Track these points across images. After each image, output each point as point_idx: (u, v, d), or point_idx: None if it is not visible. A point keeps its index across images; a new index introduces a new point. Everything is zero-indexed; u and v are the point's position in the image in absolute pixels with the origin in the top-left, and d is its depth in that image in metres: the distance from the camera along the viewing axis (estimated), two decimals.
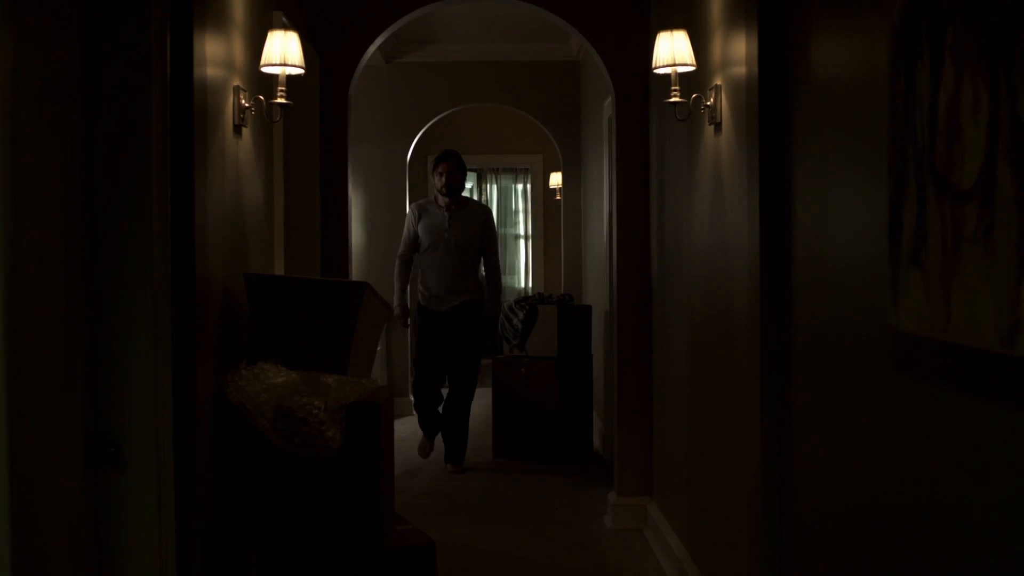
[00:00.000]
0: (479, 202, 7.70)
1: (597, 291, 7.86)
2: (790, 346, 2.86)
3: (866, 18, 2.29)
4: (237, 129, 3.65)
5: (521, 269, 13.21)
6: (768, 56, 2.99)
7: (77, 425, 2.59)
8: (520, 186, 12.99)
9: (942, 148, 1.77)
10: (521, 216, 13.23)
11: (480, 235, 6.93)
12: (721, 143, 3.63)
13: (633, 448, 5.48)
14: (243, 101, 3.66)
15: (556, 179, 11.00)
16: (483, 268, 7.10)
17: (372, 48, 5.48)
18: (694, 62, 3.84)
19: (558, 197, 10.57)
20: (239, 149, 3.70)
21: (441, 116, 9.43)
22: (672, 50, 3.79)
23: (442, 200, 6.93)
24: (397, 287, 7.02)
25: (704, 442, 4.07)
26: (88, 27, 2.67)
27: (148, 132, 2.78)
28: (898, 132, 1.97)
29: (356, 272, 8.50)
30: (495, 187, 13.54)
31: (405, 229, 7.08)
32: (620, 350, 5.47)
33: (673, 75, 3.84)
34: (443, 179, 6.88)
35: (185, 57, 3.05)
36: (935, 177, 1.80)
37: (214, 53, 3.35)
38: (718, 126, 3.67)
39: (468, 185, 12.91)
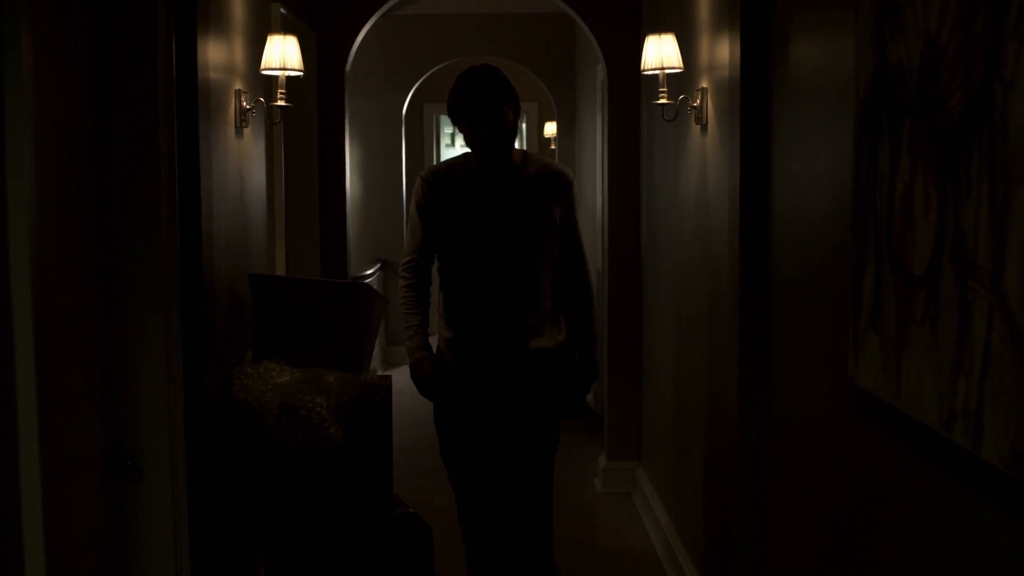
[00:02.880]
0: (548, 159, 3.80)
1: (592, 247, 7.99)
2: (768, 319, 3.02)
3: (838, 23, 2.39)
4: (239, 130, 3.78)
5: None
6: (750, 59, 3.11)
7: (96, 439, 2.76)
8: (520, 124, 13.02)
9: (898, 231, 1.92)
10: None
11: (556, 217, 3.59)
12: (707, 143, 3.76)
13: (623, 413, 5.68)
14: (244, 103, 3.78)
15: (551, 129, 11.08)
16: (563, 281, 3.69)
17: (368, 25, 5.56)
18: (681, 64, 3.96)
19: (553, 147, 10.68)
20: (241, 150, 3.83)
21: (437, 68, 9.50)
22: (660, 53, 3.91)
23: (476, 162, 3.60)
24: (412, 324, 3.62)
25: (687, 411, 4.26)
26: (97, 46, 2.79)
27: (156, 142, 2.91)
28: (861, 201, 2.12)
29: (353, 225, 8.63)
30: None
31: (410, 219, 3.69)
32: (611, 320, 5.64)
33: (661, 76, 3.97)
34: (478, 127, 3.49)
35: (189, 63, 3.17)
36: (891, 255, 1.95)
37: (216, 58, 3.47)
38: (704, 127, 3.80)
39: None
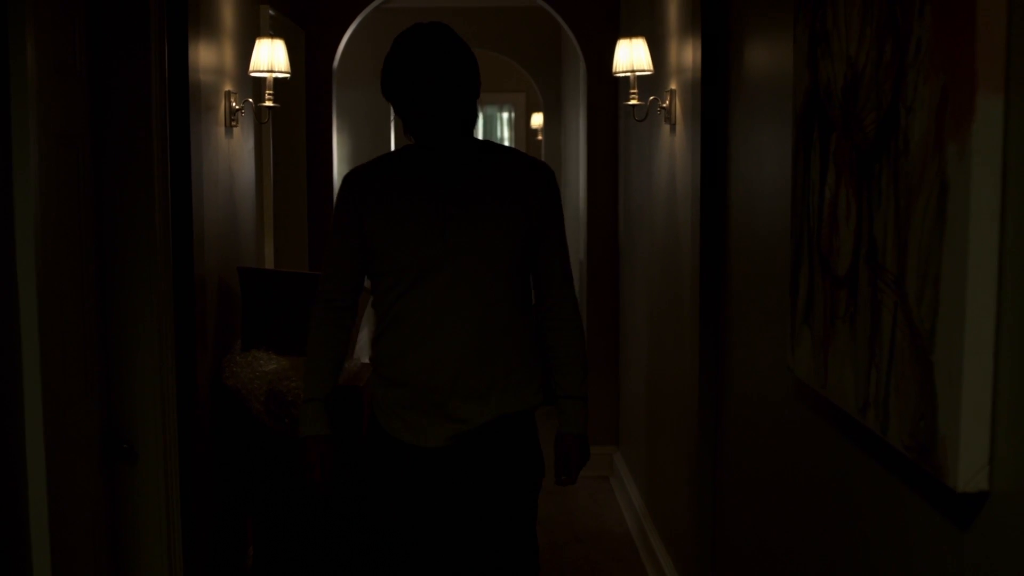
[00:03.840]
0: (521, 152, 2.89)
1: (574, 239, 8.18)
2: (725, 311, 3.21)
3: (781, 39, 2.58)
4: (229, 130, 3.96)
5: None
6: (710, 63, 3.30)
7: (94, 423, 2.94)
8: (506, 115, 13.19)
9: (826, 235, 2.11)
10: (507, 144, 13.45)
11: (530, 229, 2.71)
12: (675, 142, 3.95)
13: (601, 400, 5.87)
14: (234, 104, 3.96)
15: (537, 120, 11.25)
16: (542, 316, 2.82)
17: (355, 23, 5.73)
18: (651, 67, 4.14)
19: (540, 138, 10.85)
20: (231, 148, 4.01)
21: None
22: (631, 55, 4.10)
23: (420, 158, 2.70)
24: (310, 382, 2.78)
25: (659, 398, 4.46)
26: (93, 49, 2.97)
27: (149, 142, 3.09)
28: (798, 206, 2.31)
29: None
30: (481, 115, 13.77)
31: (330, 236, 2.80)
32: (590, 309, 5.83)
33: (632, 79, 4.15)
34: (425, 109, 2.56)
35: (181, 66, 3.35)
36: (821, 257, 2.14)
37: (207, 61, 3.64)
38: (673, 127, 3.99)
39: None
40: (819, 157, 2.15)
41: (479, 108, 2.71)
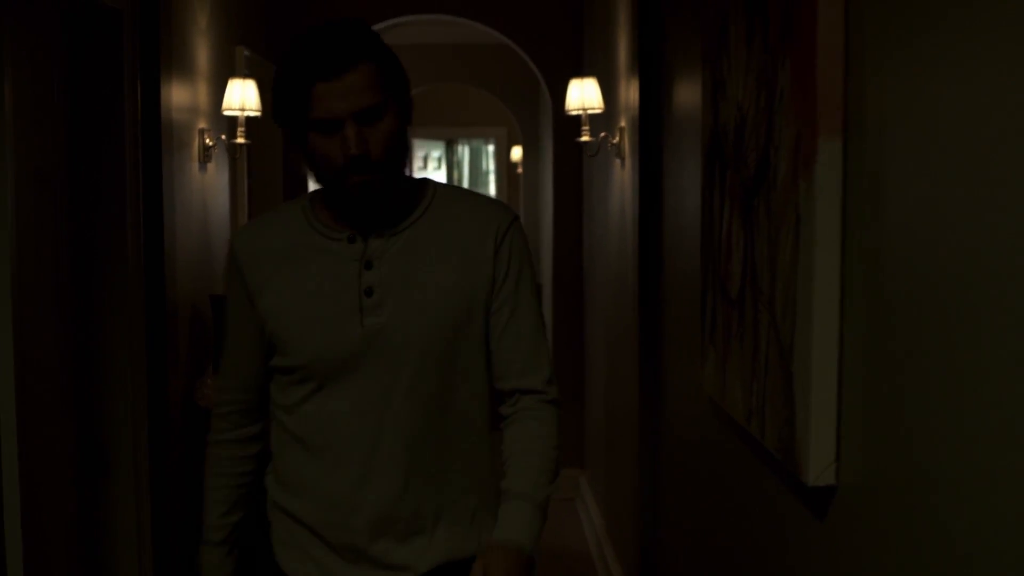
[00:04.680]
0: (474, 193, 2.10)
1: (543, 268, 8.42)
2: (662, 331, 3.42)
3: (696, 81, 2.80)
4: (203, 165, 4.19)
5: None
6: (647, 102, 3.53)
7: (69, 440, 3.15)
8: (491, 147, 13.42)
9: (723, 261, 2.33)
10: (492, 177, 13.67)
11: (488, 296, 1.97)
12: (624, 176, 4.18)
13: (568, 423, 6.07)
14: (207, 140, 4.19)
15: (517, 153, 11.51)
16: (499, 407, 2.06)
17: None
18: (602, 106, 4.39)
19: (520, 171, 11.10)
20: (205, 182, 4.23)
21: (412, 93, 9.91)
22: (581, 95, 4.34)
23: (331, 208, 1.93)
24: (207, 520, 2.15)
25: (615, 420, 4.67)
26: (71, 89, 3.20)
27: (123, 177, 3.32)
28: (706, 234, 2.54)
29: None
30: (467, 148, 14.03)
31: (225, 322, 2.05)
32: (556, 335, 6.05)
33: (584, 117, 4.39)
34: (336, 137, 1.79)
35: (154, 106, 3.57)
36: (720, 281, 2.36)
37: (180, 100, 3.88)
38: (623, 161, 4.22)
39: (428, 156, 13.28)
40: (719, 191, 2.38)
41: (409, 139, 1.93)
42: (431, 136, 12.67)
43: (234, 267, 1.97)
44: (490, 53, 9.69)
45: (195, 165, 4.09)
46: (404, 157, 1.90)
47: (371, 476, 1.91)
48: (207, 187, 4.27)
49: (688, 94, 2.99)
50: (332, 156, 1.81)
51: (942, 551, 1.29)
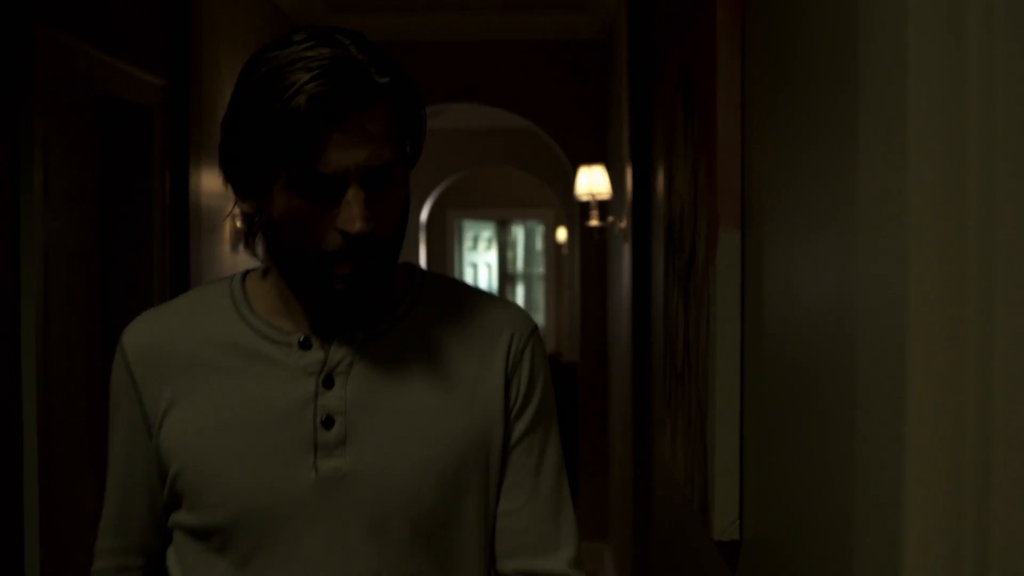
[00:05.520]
0: (478, 289, 1.47)
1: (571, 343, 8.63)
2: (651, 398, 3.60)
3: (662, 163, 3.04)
4: (235, 247, 4.48)
5: (542, 308, 13.81)
6: (639, 188, 3.76)
7: (85, 441, 3.38)
8: (542, 227, 13.65)
9: (673, 339, 2.54)
10: (542, 257, 13.85)
11: (491, 433, 1.36)
12: (626, 259, 4.40)
13: (592, 495, 6.24)
14: (238, 224, 4.49)
15: (562, 234, 11.76)
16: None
17: None
18: (610, 192, 4.62)
19: (564, 252, 11.35)
20: (237, 263, 4.52)
21: (455, 178, 10.27)
22: (590, 182, 4.58)
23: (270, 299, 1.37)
24: None
25: (623, 492, 4.83)
26: (106, 185, 3.51)
27: (151, 260, 3.61)
28: (666, 313, 2.74)
29: None
30: (521, 228, 14.30)
31: (109, 458, 1.42)
32: (581, 406, 6.24)
33: (592, 202, 4.64)
34: (320, 200, 1.21)
35: (182, 194, 3.87)
36: (671, 356, 2.56)
37: (210, 185, 4.18)
38: (631, 244, 4.45)
39: (477, 237, 13.72)
40: (672, 275, 2.59)
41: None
42: (481, 216, 12.97)
43: (123, 378, 1.37)
44: (528, 137, 10.01)
45: (226, 247, 4.38)
46: (402, 236, 1.31)
47: None
48: (239, 268, 4.56)
49: (661, 183, 3.22)
50: (318, 230, 1.22)
51: None
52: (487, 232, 13.54)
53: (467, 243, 12.68)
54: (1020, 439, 0.85)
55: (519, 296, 14.04)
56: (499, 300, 1.47)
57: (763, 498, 1.75)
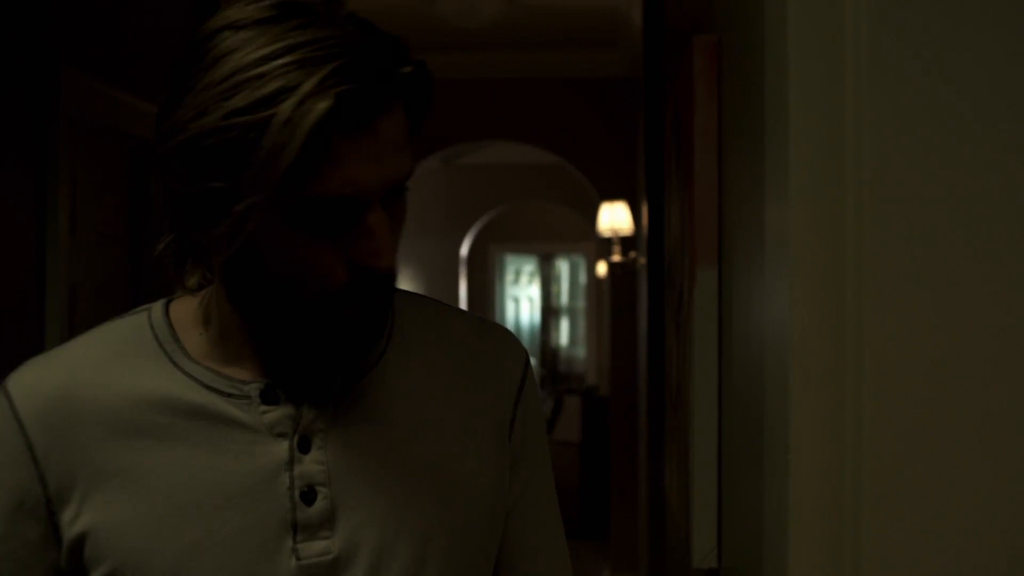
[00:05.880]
0: (447, 304, 1.21)
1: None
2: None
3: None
4: None
5: (582, 341, 13.89)
6: (653, 223, 3.82)
7: None
8: (585, 261, 13.75)
9: (668, 372, 2.59)
10: (584, 291, 13.98)
11: (497, 490, 1.14)
12: (644, 293, 4.47)
13: (624, 528, 6.27)
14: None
15: (602, 268, 11.83)
16: None
17: None
18: (632, 228, 4.70)
19: (605, 286, 11.42)
20: None
21: (496, 212, 10.40)
22: (611, 218, 4.66)
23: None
24: None
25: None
26: (133, 222, 3.63)
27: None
28: (668, 348, 2.80)
29: None
30: (566, 262, 14.40)
31: None
32: (612, 435, 6.29)
33: (615, 238, 4.71)
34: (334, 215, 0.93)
35: None
36: (669, 390, 2.62)
37: None
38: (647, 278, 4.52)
39: (520, 271, 13.83)
40: (668, 309, 2.65)
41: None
42: (523, 250, 13.08)
43: (10, 444, 1.01)
44: (564, 172, 10.11)
45: None
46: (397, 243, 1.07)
47: None
48: None
49: (671, 217, 3.29)
50: (321, 265, 0.96)
51: None
52: (529, 266, 13.64)
53: (508, 277, 12.77)
54: (889, 477, 0.91)
55: (563, 329, 14.11)
56: (482, 320, 1.23)
57: (733, 527, 1.81)
